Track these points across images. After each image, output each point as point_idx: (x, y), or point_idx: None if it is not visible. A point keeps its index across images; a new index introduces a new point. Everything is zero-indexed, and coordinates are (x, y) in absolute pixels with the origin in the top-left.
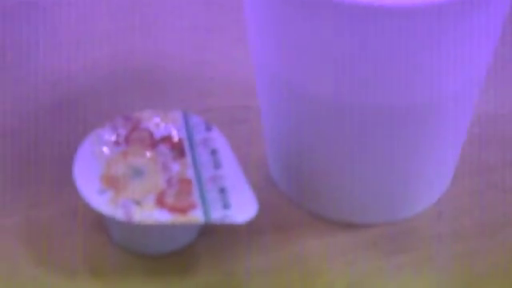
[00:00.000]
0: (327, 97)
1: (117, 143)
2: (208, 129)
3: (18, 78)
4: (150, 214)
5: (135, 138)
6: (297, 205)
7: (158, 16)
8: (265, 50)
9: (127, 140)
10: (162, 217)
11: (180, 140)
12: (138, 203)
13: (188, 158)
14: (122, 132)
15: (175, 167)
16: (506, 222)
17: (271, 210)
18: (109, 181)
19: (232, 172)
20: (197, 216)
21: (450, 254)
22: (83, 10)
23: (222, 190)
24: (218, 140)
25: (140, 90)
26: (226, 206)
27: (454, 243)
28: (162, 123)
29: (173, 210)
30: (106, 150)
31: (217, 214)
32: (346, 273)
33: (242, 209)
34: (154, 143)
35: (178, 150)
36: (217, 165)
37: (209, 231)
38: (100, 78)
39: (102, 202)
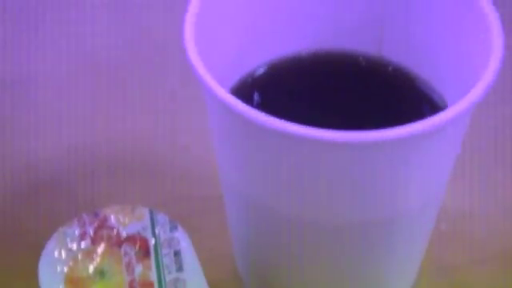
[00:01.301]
0: (285, 213)
1: (83, 241)
2: (173, 228)
3: None
4: None
5: (101, 236)
6: None
7: (132, 99)
8: (225, 163)
9: (94, 238)
10: None
11: (145, 240)
12: None
13: (151, 260)
14: (89, 229)
15: (138, 269)
16: None
17: None
18: (72, 282)
19: (193, 276)
20: None
21: None
22: (57, 90)
23: None
24: (182, 241)
25: (112, 176)
26: None
27: None
28: (129, 221)
29: None
30: (71, 248)
31: None
32: None
33: None
34: (119, 242)
35: (143, 250)
36: (179, 267)
37: None
38: (75, 163)
39: None
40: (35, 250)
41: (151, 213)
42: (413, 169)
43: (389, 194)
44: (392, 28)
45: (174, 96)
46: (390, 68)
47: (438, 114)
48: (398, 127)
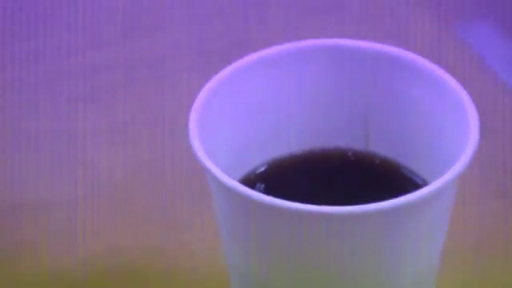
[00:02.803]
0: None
1: None
2: None
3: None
4: None
5: None
6: None
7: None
8: (227, 243)
9: None
10: None
11: None
12: None
13: None
14: None
15: None
16: None
17: None
18: None
19: None
20: None
21: None
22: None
23: None
24: None
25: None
26: None
27: None
28: None
29: None
30: None
31: None
32: None
33: None
34: None
35: None
36: None
37: None
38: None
39: None
40: None
41: None
42: (405, 239)
43: (381, 267)
44: (376, 124)
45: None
46: (377, 160)
47: (416, 191)
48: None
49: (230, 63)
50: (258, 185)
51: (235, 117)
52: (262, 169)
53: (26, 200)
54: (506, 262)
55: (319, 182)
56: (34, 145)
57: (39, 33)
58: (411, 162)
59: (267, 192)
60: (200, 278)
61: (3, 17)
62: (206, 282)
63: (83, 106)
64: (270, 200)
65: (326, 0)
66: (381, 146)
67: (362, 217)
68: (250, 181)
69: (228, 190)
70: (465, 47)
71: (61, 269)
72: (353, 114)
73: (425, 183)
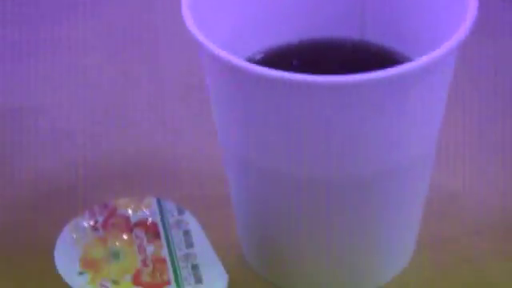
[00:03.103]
0: (282, 172)
1: (95, 229)
2: (181, 212)
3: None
4: None
5: (112, 223)
6: (270, 283)
7: (131, 112)
8: (221, 127)
9: (104, 226)
10: None
11: (154, 224)
12: (115, 283)
13: (162, 240)
14: (100, 219)
15: (150, 248)
16: None
17: (242, 287)
18: (87, 263)
19: (203, 250)
20: None
21: None
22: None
23: (194, 267)
24: (190, 222)
25: (116, 183)
26: (198, 281)
27: None
28: (138, 209)
29: (149, 287)
30: (84, 235)
31: None
32: None
33: (214, 283)
34: (129, 228)
35: (153, 233)
36: (189, 244)
37: None
38: (77, 174)
39: (81, 283)
40: (48, 253)
41: (159, 201)
42: (403, 113)
43: (383, 143)
44: (372, 11)
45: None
46: (373, 49)
47: (425, 56)
48: (390, 68)
49: None
50: None
51: (228, 5)
52: (259, 57)
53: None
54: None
55: (316, 70)
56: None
57: None
58: (406, 49)
59: None
60: (191, 178)
61: None
62: (198, 181)
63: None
64: (274, 72)
65: None
66: (376, 35)
67: (368, 84)
68: None
69: (214, 58)
70: None
71: (53, 170)
72: (349, 3)
73: None
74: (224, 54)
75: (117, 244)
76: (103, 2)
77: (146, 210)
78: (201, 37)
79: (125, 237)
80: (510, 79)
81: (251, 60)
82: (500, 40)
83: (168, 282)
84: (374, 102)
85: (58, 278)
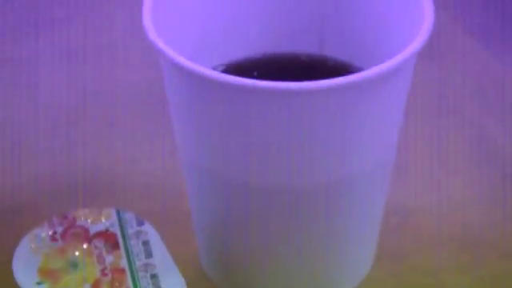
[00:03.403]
0: (243, 181)
1: (54, 239)
2: (140, 224)
3: None
4: None
5: (71, 234)
6: None
7: (95, 129)
8: (182, 138)
9: (64, 236)
10: None
11: (113, 234)
12: None
13: (121, 250)
14: (59, 229)
15: (109, 259)
16: None
17: None
18: (46, 274)
19: (162, 260)
20: None
21: None
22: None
23: (153, 276)
24: (150, 232)
25: (75, 196)
26: None
27: None
28: (97, 220)
29: None
30: (43, 245)
31: None
32: None
33: None
34: (88, 238)
35: (112, 243)
36: (148, 254)
37: None
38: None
39: None
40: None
41: (118, 212)
42: (362, 119)
43: (340, 150)
44: (331, 26)
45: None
46: (330, 62)
47: (380, 65)
48: (347, 76)
49: None
50: None
51: (190, 13)
52: (221, 68)
53: None
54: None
55: (275, 80)
56: None
57: None
58: (366, 64)
59: None
60: (151, 192)
61: None
62: (157, 196)
63: None
64: (234, 78)
65: None
66: (334, 50)
67: (328, 91)
68: None
69: (180, 69)
70: None
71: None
72: (309, 17)
73: None
74: (187, 62)
75: (76, 254)
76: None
77: (106, 221)
78: (163, 45)
79: (84, 247)
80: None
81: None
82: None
83: None
84: (332, 109)
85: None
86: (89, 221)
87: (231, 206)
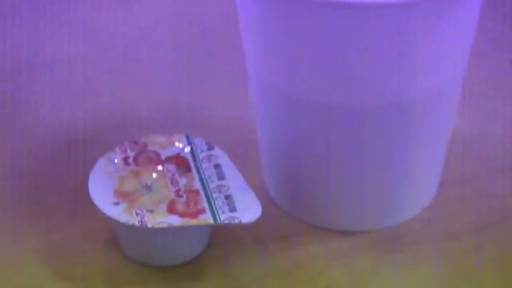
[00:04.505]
0: (312, 99)
1: (127, 163)
2: (210, 148)
3: (29, 127)
4: (163, 220)
5: (143, 158)
6: (295, 218)
7: (157, 55)
8: (252, 55)
9: (136, 161)
10: (174, 221)
11: (185, 158)
12: (150, 211)
13: (194, 173)
14: (131, 154)
15: (182, 181)
16: (492, 222)
17: (271, 222)
18: (122, 195)
19: (235, 181)
20: (206, 218)
21: (441, 252)
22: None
23: (228, 197)
24: (220, 156)
25: (143, 128)
26: (232, 209)
27: (445, 242)
28: (167, 145)
29: (183, 215)
30: (116, 169)
31: (225, 216)
32: (346, 272)
33: (248, 211)
34: (161, 162)
35: (184, 167)
36: (220, 177)
37: (215, 243)
38: (104, 126)
39: (117, 212)
40: (80, 189)
41: (188, 138)
42: (433, 39)
43: (413, 69)
44: None
45: None
46: None
47: None
48: None
49: None
50: None
51: None
52: None
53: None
54: None
55: None
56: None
57: None
58: None
59: None
60: (216, 124)
61: None
62: (223, 127)
63: None
64: None
65: None
66: None
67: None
68: None
69: None
70: None
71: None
72: None
73: None
74: None
75: (149, 177)
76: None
77: (176, 146)
78: None
79: (156, 171)
80: None
81: None
82: None
83: (203, 211)
84: (410, 24)
85: (93, 210)
86: (159, 146)
87: (297, 124)
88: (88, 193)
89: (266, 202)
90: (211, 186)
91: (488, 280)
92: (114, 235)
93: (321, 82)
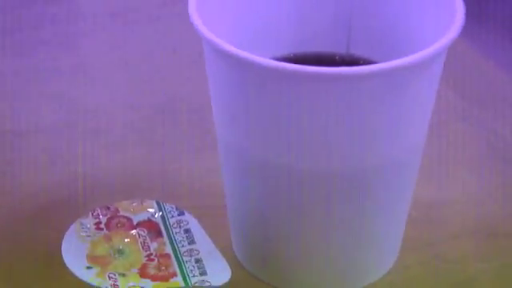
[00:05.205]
0: (283, 164)
1: (99, 228)
2: (180, 213)
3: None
4: (135, 284)
5: (115, 223)
6: (263, 281)
7: (130, 120)
8: (219, 120)
9: (108, 226)
10: (146, 285)
11: (156, 223)
12: (123, 275)
13: (164, 237)
14: (103, 219)
15: (153, 245)
16: (453, 287)
17: (240, 286)
18: (94, 259)
19: (205, 245)
20: (178, 281)
21: None
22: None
23: (198, 261)
24: (190, 221)
25: (115, 194)
26: (202, 273)
27: None
28: (139, 210)
29: (155, 279)
30: (89, 234)
31: (195, 280)
32: None
33: (217, 274)
34: (132, 227)
35: (155, 231)
36: (190, 241)
37: None
38: (76, 191)
39: (90, 276)
40: (53, 254)
41: (159, 203)
42: (398, 107)
43: (377, 137)
44: (359, 25)
45: None
46: (361, 62)
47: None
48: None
49: None
50: None
51: (226, 11)
52: None
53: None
54: None
55: None
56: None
57: None
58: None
59: None
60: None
61: None
62: (192, 194)
63: None
64: (283, 64)
65: None
66: (361, 49)
67: (370, 75)
68: None
69: (228, 56)
70: None
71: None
72: (337, 16)
73: None
74: (232, 48)
75: (121, 242)
76: None
77: (147, 212)
78: (206, 31)
79: (128, 235)
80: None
81: None
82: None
83: (174, 274)
84: (376, 93)
85: (65, 275)
86: (131, 211)
87: (268, 190)
88: (60, 257)
89: (235, 265)
90: (182, 250)
91: None
92: None
93: (294, 150)
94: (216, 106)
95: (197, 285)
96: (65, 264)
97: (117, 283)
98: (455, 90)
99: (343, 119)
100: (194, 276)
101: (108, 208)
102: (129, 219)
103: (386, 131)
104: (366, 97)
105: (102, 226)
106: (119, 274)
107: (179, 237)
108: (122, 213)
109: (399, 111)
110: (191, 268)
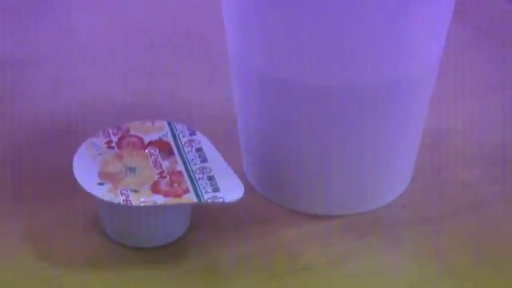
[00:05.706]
0: (292, 81)
1: (110, 147)
2: (192, 133)
3: (8, 117)
4: (147, 199)
5: (126, 142)
6: (274, 203)
7: (139, 45)
8: (233, 38)
9: (119, 145)
10: (158, 200)
11: (167, 143)
12: (135, 191)
13: (176, 156)
14: (114, 139)
15: (165, 163)
16: (464, 208)
17: (250, 207)
18: (106, 176)
19: (217, 164)
20: (191, 197)
21: (415, 235)
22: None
23: (210, 178)
24: (202, 141)
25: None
26: (215, 189)
27: (419, 226)
28: (150, 130)
29: (167, 195)
30: (100, 152)
31: (208, 196)
32: (323, 254)
33: (230, 191)
34: (143, 146)
35: (167, 151)
36: (203, 159)
37: (195, 227)
38: (86, 115)
39: (101, 192)
40: (63, 172)
41: (170, 124)
42: (411, 20)
43: (394, 51)
44: None
45: None
46: None
47: None
48: None
49: None
50: None
51: None
52: None
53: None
54: None
55: None
56: None
57: None
58: None
59: None
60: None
61: None
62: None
63: None
64: None
65: None
66: None
67: None
68: None
69: None
70: None
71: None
72: None
73: None
74: None
75: (132, 160)
76: None
77: (158, 132)
78: None
79: (140, 154)
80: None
81: None
82: None
83: (186, 190)
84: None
85: (75, 195)
86: (142, 131)
87: (278, 106)
88: (70, 177)
89: (246, 187)
90: (194, 168)
91: (460, 260)
92: (96, 219)
93: (298, 62)
94: (229, 24)
95: (209, 201)
96: (76, 181)
97: (129, 198)
98: (468, 22)
99: (357, 28)
100: (206, 192)
101: (119, 128)
102: (140, 138)
103: (401, 45)
104: (374, 11)
105: (113, 144)
106: (131, 190)
107: (191, 155)
108: (133, 132)
109: (408, 26)
110: (204, 185)
